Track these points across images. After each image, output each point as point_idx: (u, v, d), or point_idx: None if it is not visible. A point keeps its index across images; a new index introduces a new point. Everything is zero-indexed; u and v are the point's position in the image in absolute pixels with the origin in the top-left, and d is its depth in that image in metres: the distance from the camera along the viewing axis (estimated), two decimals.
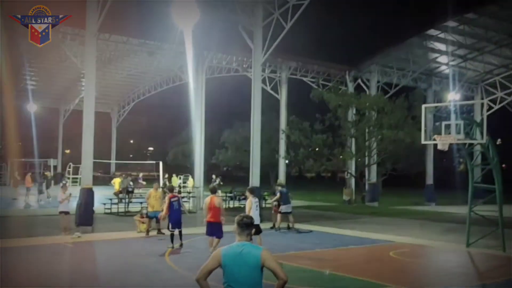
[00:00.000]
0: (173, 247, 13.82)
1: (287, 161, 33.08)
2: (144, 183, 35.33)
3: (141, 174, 37.24)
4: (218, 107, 53.50)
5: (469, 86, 37.99)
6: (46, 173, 33.48)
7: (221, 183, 32.60)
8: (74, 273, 10.71)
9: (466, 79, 36.52)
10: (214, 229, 12.66)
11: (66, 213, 15.85)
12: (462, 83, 36.57)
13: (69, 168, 38.21)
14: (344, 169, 34.08)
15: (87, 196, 17.34)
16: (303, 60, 33.18)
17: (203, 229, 17.06)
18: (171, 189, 15.34)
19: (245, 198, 15.95)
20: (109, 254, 13.40)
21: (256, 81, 23.03)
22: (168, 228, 14.30)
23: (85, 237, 15.47)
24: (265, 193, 24.05)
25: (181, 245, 14.06)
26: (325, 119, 31.10)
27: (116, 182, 26.29)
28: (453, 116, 15.42)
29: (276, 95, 32.92)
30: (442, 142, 14.93)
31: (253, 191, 13.82)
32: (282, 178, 31.18)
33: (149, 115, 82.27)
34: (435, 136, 15.24)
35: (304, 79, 34.21)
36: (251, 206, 13.02)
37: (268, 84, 32.47)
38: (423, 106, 16.89)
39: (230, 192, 28.23)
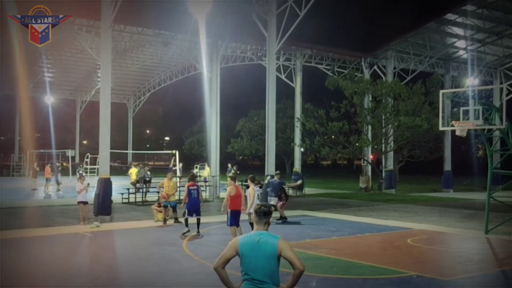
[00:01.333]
0: (188, 231, 14.00)
1: (302, 149, 33.00)
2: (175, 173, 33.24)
3: (173, 164, 35.15)
4: (233, 96, 53.51)
5: (488, 70, 37.36)
6: (63, 163, 33.96)
7: (238, 172, 32.66)
8: (93, 262, 10.86)
9: (484, 64, 35.91)
10: (238, 218, 12.91)
11: (85, 203, 16.04)
12: (480, 68, 35.98)
13: (87, 158, 38.61)
14: (360, 156, 33.91)
15: (105, 186, 17.52)
16: (317, 48, 32.89)
17: (220, 218, 17.22)
18: (192, 177, 15.30)
19: (261, 187, 16.03)
20: (127, 243, 13.56)
21: (270, 69, 22.95)
22: (183, 215, 14.55)
23: (103, 227, 15.66)
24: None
25: (198, 232, 14.16)
26: (340, 106, 30.91)
27: (133, 172, 26.50)
28: (471, 101, 15.23)
29: (291, 83, 32.77)
30: (461, 128, 14.76)
31: (254, 179, 13.99)
32: (297, 166, 31.15)
33: (165, 105, 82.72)
34: (453, 122, 15.06)
35: (319, 66, 33.96)
36: (254, 193, 13.36)
37: (282, 72, 32.31)
38: (441, 91, 16.69)
39: (246, 181, 28.26)
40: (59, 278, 9.51)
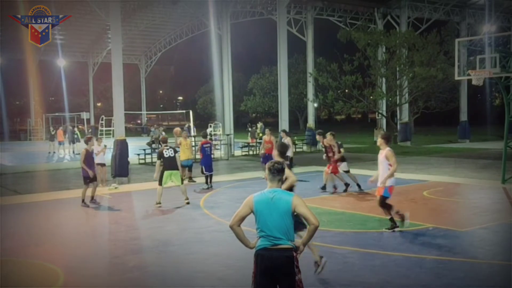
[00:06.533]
0: (208, 188, 15.04)
1: (316, 105, 32.78)
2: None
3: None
4: (244, 53, 52.97)
5: (506, 16, 36.23)
6: (80, 126, 34.30)
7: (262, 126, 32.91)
8: (113, 223, 11.08)
9: (502, 9, 34.79)
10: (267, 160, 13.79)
11: (102, 165, 16.21)
12: (498, 14, 34.90)
13: (102, 121, 38.96)
14: (375, 109, 33.62)
15: (121, 148, 17.69)
16: None
17: (237, 176, 17.51)
18: (205, 135, 16.52)
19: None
20: (145, 203, 13.75)
21: (281, 23, 22.56)
22: (202, 172, 15.37)
23: (121, 188, 15.92)
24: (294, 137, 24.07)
25: (211, 186, 15.23)
26: (353, 59, 30.44)
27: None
28: (488, 49, 14.85)
29: (302, 37, 32.21)
30: (477, 77, 14.48)
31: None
32: (311, 122, 31.04)
33: (177, 64, 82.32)
34: (469, 71, 14.78)
35: (331, 19, 33.25)
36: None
37: (293, 26, 31.72)
38: (456, 40, 16.30)
39: (260, 138, 28.33)
40: (81, 238, 9.76)
